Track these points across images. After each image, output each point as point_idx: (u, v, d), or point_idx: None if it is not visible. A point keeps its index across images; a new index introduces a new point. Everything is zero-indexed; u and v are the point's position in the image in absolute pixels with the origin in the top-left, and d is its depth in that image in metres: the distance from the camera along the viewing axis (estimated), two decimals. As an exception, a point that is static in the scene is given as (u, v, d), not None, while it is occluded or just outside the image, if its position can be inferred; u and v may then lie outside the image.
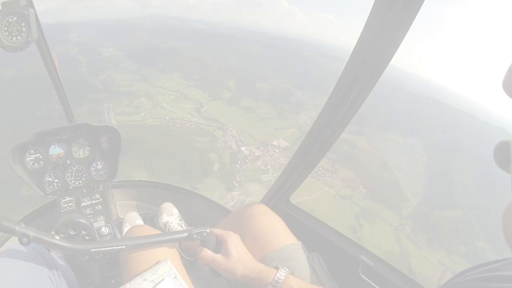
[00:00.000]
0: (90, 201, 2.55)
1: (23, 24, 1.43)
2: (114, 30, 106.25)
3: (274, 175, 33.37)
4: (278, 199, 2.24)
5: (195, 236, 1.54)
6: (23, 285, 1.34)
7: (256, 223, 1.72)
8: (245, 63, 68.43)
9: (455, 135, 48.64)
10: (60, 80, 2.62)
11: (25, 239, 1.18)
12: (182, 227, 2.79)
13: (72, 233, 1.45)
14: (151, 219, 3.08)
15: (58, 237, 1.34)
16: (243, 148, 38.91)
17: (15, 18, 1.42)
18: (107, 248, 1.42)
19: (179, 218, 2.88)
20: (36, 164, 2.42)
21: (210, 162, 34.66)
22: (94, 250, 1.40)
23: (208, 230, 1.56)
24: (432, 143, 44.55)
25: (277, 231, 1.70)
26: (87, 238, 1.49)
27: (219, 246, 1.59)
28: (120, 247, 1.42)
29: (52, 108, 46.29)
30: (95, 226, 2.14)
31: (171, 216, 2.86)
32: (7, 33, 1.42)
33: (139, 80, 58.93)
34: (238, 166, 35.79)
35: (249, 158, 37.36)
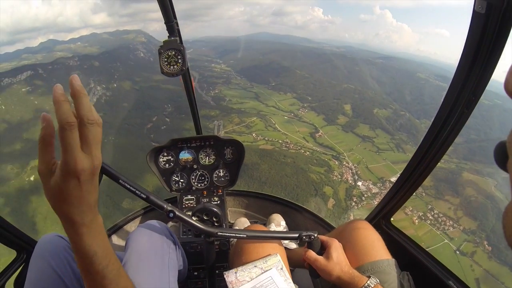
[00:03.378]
0: (209, 202, 2.87)
1: (179, 57, 1.94)
2: (226, 48, 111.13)
3: (392, 219, 29.78)
4: (381, 218, 2.35)
5: (304, 238, 1.71)
6: (155, 250, 1.68)
7: (357, 236, 1.85)
8: (359, 86, 64.33)
9: None
10: (195, 98, 2.93)
11: (172, 214, 1.45)
12: None
13: (205, 218, 1.76)
14: None
15: (194, 218, 1.68)
16: (359, 183, 35.78)
17: (173, 52, 1.92)
18: (231, 234, 1.66)
19: (286, 229, 3.11)
20: (167, 165, 2.88)
21: (324, 198, 32.05)
22: (221, 234, 1.64)
23: (316, 235, 1.72)
24: None
25: (375, 245, 1.80)
26: (216, 224, 1.77)
27: (323, 250, 1.75)
28: (241, 235, 1.68)
29: (163, 121, 48.51)
30: None
31: (279, 227, 3.09)
32: (166, 62, 1.93)
33: (251, 98, 59.42)
34: (353, 203, 33.06)
35: (365, 196, 34.20)
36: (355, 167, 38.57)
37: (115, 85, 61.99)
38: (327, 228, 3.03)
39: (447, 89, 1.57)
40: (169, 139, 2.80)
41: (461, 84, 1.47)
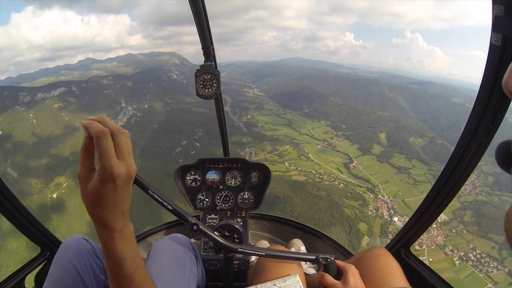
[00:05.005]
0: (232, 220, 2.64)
1: (214, 81, 2.08)
2: (259, 72, 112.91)
3: (430, 259, 28.60)
4: (400, 247, 2.38)
5: (320, 260, 1.73)
6: (177, 261, 1.79)
7: (375, 262, 1.84)
8: (394, 113, 63.16)
9: None
10: (225, 121, 3.21)
11: (195, 226, 1.49)
12: (306, 263, 2.83)
13: (227, 234, 1.76)
14: None
15: (216, 233, 1.66)
16: (395, 219, 34.20)
17: (209, 76, 2.06)
18: (251, 251, 1.70)
19: None
20: (193, 183, 3.05)
21: (359, 235, 30.98)
22: (241, 250, 1.69)
23: (332, 258, 1.74)
24: None
25: (393, 273, 1.79)
26: (237, 240, 1.77)
27: (339, 275, 1.74)
28: (260, 253, 1.71)
29: (193, 146, 48.87)
30: None
31: (298, 251, 3.14)
32: (202, 85, 2.07)
33: (284, 125, 59.43)
34: (389, 241, 30.73)
35: None
36: (390, 200, 37.40)
37: (146, 106, 63.31)
38: (346, 255, 3.07)
39: (467, 118, 1.61)
40: (197, 159, 3.00)
41: (480, 114, 1.52)
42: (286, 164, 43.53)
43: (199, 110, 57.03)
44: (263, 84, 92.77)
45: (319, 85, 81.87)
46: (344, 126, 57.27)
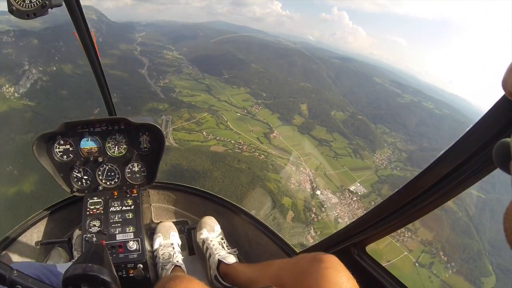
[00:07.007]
0: (120, 207, 2.26)
1: None
2: (179, 34, 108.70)
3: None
4: (353, 245, 1.99)
5: None
6: None
7: (324, 282, 1.43)
8: (316, 85, 63.49)
9: None
10: (100, 65, 2.25)
11: None
12: (223, 247, 2.47)
13: None
14: (188, 231, 2.87)
15: None
16: (318, 192, 34.23)
17: None
18: None
19: (220, 236, 2.65)
20: (64, 157, 2.27)
21: (283, 210, 29.80)
22: None
23: None
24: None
25: None
26: None
27: None
28: None
29: (106, 114, 42.41)
30: (122, 239, 2.05)
31: (212, 233, 2.63)
32: None
33: (202, 91, 56.90)
34: (313, 215, 31.43)
35: (325, 206, 32.95)
36: (312, 173, 37.16)
37: (54, 68, 54.13)
38: (268, 234, 2.58)
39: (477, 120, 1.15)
40: (62, 122, 2.17)
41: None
42: (204, 133, 41.47)
43: (114, 73, 52.18)
44: (183, 46, 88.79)
45: (241, 51, 80.00)
46: (264, 94, 56.20)
